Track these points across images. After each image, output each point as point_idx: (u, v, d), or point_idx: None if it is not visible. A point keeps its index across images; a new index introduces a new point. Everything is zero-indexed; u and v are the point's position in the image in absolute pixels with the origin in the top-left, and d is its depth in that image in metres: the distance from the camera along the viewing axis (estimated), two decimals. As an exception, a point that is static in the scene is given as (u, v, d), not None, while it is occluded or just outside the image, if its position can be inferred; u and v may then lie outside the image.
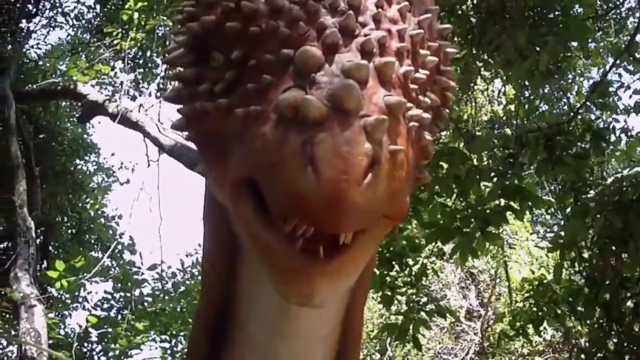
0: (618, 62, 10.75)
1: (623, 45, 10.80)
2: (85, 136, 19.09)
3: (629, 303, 8.88)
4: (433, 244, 9.16)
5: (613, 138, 9.65)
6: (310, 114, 1.27)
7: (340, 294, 1.72)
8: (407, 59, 1.48)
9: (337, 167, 1.25)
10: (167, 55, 1.65)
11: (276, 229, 1.34)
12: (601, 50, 15.19)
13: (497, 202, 8.41)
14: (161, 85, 17.33)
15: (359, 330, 1.95)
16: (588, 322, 9.47)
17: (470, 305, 20.24)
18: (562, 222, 9.89)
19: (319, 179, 1.24)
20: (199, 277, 14.93)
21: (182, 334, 13.56)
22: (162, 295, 14.86)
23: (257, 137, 1.34)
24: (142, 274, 14.96)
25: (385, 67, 1.38)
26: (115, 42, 15.21)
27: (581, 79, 16.73)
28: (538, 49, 8.43)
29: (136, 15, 14.68)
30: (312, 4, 1.42)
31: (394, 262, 9.63)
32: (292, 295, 1.35)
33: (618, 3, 13.92)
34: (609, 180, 8.90)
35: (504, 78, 11.89)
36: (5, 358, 16.32)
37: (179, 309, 14.14)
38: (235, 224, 1.57)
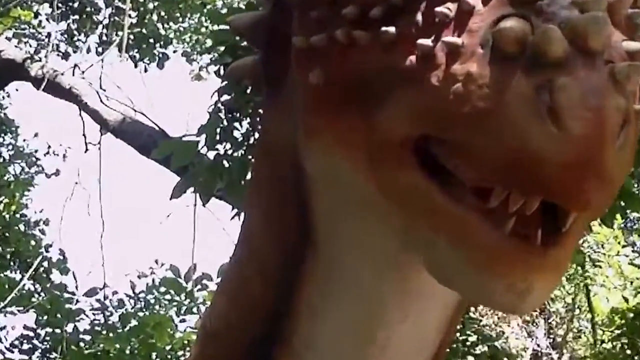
0: None
1: None
2: (-4, 109, 19.12)
3: None
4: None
5: None
6: (551, 51, 1.27)
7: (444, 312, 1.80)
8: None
9: (588, 120, 1.25)
10: None
11: (471, 202, 1.37)
12: None
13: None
14: (104, 38, 17.36)
15: None
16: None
17: (538, 346, 20.25)
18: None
19: (563, 134, 1.25)
20: (157, 307, 15.03)
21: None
22: (105, 332, 14.87)
23: (452, 79, 1.35)
24: (77, 302, 15.00)
25: (620, 3, 1.40)
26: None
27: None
28: None
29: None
30: None
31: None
32: (500, 292, 1.36)
33: None
34: None
35: None
36: None
37: (128, 351, 14.15)
38: (368, 202, 1.58)
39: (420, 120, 1.39)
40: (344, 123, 1.53)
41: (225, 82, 8.18)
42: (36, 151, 19.79)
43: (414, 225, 1.47)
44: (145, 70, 18.09)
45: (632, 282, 17.35)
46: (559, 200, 1.32)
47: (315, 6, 1.56)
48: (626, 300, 13.77)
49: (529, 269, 1.35)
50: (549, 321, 20.53)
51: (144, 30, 17.89)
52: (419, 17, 1.42)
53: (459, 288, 1.45)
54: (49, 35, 17.43)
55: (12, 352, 15.14)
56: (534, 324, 20.44)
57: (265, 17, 1.83)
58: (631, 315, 11.10)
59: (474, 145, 1.33)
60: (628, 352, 10.59)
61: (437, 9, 1.39)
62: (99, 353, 13.95)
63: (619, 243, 18.69)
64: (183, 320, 14.23)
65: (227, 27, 8.26)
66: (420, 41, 1.39)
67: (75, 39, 17.64)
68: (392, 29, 1.43)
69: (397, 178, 1.45)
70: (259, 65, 1.85)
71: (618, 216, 8.40)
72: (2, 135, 19.29)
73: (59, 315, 14.57)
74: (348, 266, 1.75)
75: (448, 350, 1.95)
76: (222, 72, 8.33)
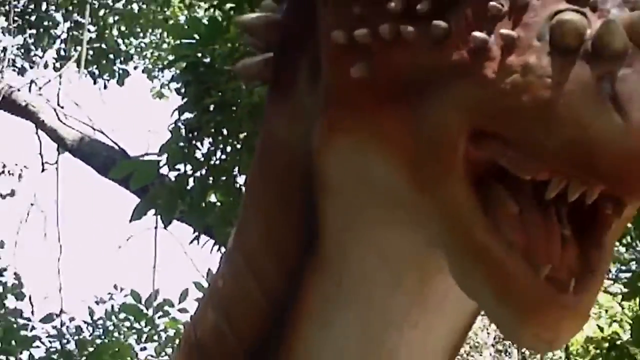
0: None
1: None
2: (-51, 127, 19.05)
3: None
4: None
5: None
6: (613, 44, 1.33)
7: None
8: None
9: None
10: None
11: (508, 233, 1.44)
12: None
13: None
14: (62, 53, 17.34)
15: None
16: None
17: (511, 376, 20.32)
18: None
19: (627, 123, 1.30)
20: (116, 334, 14.99)
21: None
22: (61, 360, 14.83)
23: (508, 71, 1.41)
24: (33, 328, 14.93)
25: None
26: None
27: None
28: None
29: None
30: None
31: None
32: (528, 337, 1.42)
33: None
34: None
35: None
36: None
37: (86, 380, 14.13)
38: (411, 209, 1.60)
39: (474, 113, 1.44)
40: (386, 119, 1.56)
41: (186, 100, 8.20)
42: (-10, 171, 19.74)
43: (450, 240, 1.50)
44: (105, 87, 18.10)
45: (607, 311, 17.40)
46: (620, 189, 1.38)
47: (357, 1, 1.59)
48: (601, 329, 13.80)
49: (560, 318, 1.41)
50: (522, 351, 20.58)
51: (103, 46, 17.89)
52: (470, 11, 1.48)
53: (484, 310, 1.51)
54: (4, 49, 17.43)
55: (-37, 382, 15.05)
56: (507, 354, 20.49)
57: (278, 18, 1.86)
58: (606, 344, 11.12)
59: (533, 136, 1.37)
60: (604, 382, 10.64)
61: (491, 3, 1.45)
62: (54, 382, 13.91)
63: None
64: (144, 349, 14.21)
65: (189, 41, 8.30)
66: (475, 34, 1.45)
67: (32, 53, 17.64)
68: (443, 24, 1.48)
69: (441, 184, 1.49)
70: (269, 66, 1.87)
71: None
72: (-45, 154, 19.25)
73: (13, 343, 14.50)
74: (360, 272, 1.77)
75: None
76: (183, 89, 8.33)
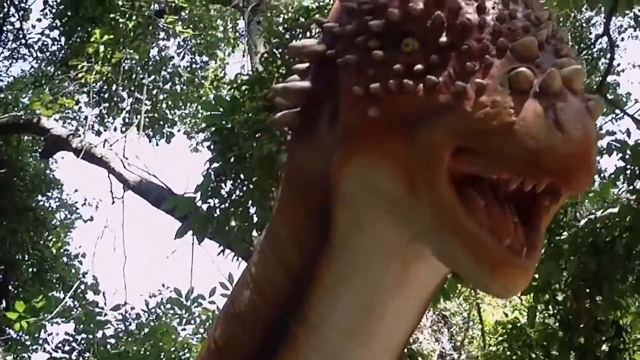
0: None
1: (595, 86, 10.95)
2: (47, 171, 18.96)
3: (604, 347, 8.92)
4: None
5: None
6: (554, 86, 1.49)
7: (422, 306, 1.98)
8: None
9: (580, 130, 1.48)
10: (342, 37, 1.79)
11: (480, 219, 1.56)
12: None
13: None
14: (127, 120, 17.31)
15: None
16: (562, 366, 9.46)
17: (443, 348, 20.16)
18: (535, 264, 9.89)
19: (567, 137, 1.46)
20: (164, 319, 14.89)
21: (146, 377, 13.45)
22: (125, 337, 14.69)
23: (481, 106, 1.53)
24: (105, 314, 14.79)
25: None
26: (80, 75, 15.16)
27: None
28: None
29: (102, 48, 14.70)
30: (514, 8, 1.67)
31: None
32: (495, 286, 1.56)
33: (590, 44, 14.12)
34: (583, 222, 8.94)
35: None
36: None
37: (142, 351, 13.99)
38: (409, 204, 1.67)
39: (456, 136, 1.55)
40: (390, 143, 1.64)
41: (214, 154, 8.19)
42: (76, 203, 19.69)
43: (438, 225, 1.60)
44: (157, 144, 18.10)
45: (510, 302, 17.32)
46: (562, 179, 1.50)
47: (370, 66, 1.67)
48: (506, 315, 13.76)
49: (517, 274, 1.55)
50: (451, 330, 20.49)
51: (156, 115, 17.88)
52: (452, 70, 1.60)
53: (461, 273, 1.62)
54: (86, 117, 17.38)
55: (57, 352, 14.90)
56: (440, 332, 20.37)
57: (306, 85, 1.93)
58: (510, 326, 11.07)
59: (500, 148, 1.50)
60: (508, 353, 10.55)
61: (467, 63, 1.58)
62: (121, 353, 13.79)
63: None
64: (184, 329, 14.07)
65: (216, 113, 8.30)
66: (458, 83, 1.57)
67: (106, 120, 17.59)
68: (434, 78, 1.59)
69: (431, 187, 1.58)
70: (296, 118, 1.94)
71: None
72: (51, 190, 19.14)
73: (91, 325, 14.39)
74: (360, 258, 1.84)
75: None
76: (212, 146, 8.32)
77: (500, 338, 11.87)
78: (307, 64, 1.95)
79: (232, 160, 8.06)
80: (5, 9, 18.59)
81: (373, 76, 1.67)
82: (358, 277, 1.85)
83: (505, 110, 1.50)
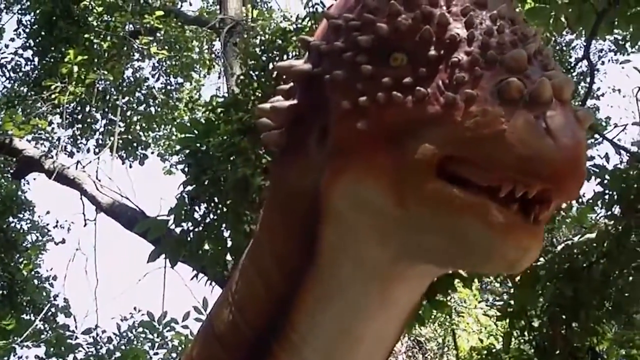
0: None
1: (574, 110, 10.95)
2: (19, 193, 18.82)
3: (580, 373, 8.91)
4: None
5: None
6: (544, 95, 1.53)
7: (402, 320, 1.97)
8: None
9: (571, 137, 1.52)
10: (332, 53, 1.80)
11: (484, 194, 1.56)
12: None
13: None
14: (100, 141, 17.25)
15: None
16: (538, 393, 9.45)
17: (418, 374, 20.15)
18: (511, 290, 9.91)
19: (558, 144, 1.50)
20: (136, 342, 14.78)
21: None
22: (96, 362, 14.61)
23: (471, 115, 1.56)
24: (77, 338, 14.76)
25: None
26: (53, 95, 15.14)
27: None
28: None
29: (75, 68, 14.66)
30: (501, 23, 1.70)
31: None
32: (511, 250, 1.57)
33: (570, 67, 14.21)
34: (560, 247, 8.95)
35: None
36: None
37: (113, 376, 13.92)
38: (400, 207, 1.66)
39: (446, 145, 1.58)
40: (379, 157, 1.66)
41: (188, 177, 8.15)
42: (47, 225, 19.52)
43: (439, 217, 1.60)
44: (130, 166, 18.03)
45: (485, 328, 17.37)
46: (553, 185, 1.54)
47: (359, 81, 1.69)
48: (481, 341, 13.82)
49: (529, 235, 1.58)
50: (426, 355, 20.47)
51: (129, 137, 17.82)
52: (441, 81, 1.63)
53: (465, 262, 1.68)
54: (59, 139, 17.31)
55: (26, 377, 14.80)
56: (414, 358, 20.35)
57: (292, 104, 1.93)
58: (485, 352, 11.05)
59: (492, 155, 1.53)
60: (483, 379, 10.55)
61: (457, 74, 1.61)
62: (91, 377, 13.71)
63: (476, 299, 18.75)
64: (156, 354, 14.00)
65: (190, 135, 8.26)
66: (447, 93, 1.60)
67: (79, 142, 17.51)
68: (423, 89, 1.62)
69: (424, 188, 1.60)
70: (282, 138, 1.94)
71: (476, 280, 8.40)
72: (22, 212, 19.00)
73: (62, 348, 14.31)
74: (344, 279, 1.84)
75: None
76: (186, 169, 8.28)
77: (475, 365, 11.88)
78: (290, 85, 1.95)
79: (206, 183, 8.00)
80: (-22, 29, 18.50)
81: (362, 90, 1.68)
82: (339, 299, 1.85)
83: (496, 119, 1.54)
